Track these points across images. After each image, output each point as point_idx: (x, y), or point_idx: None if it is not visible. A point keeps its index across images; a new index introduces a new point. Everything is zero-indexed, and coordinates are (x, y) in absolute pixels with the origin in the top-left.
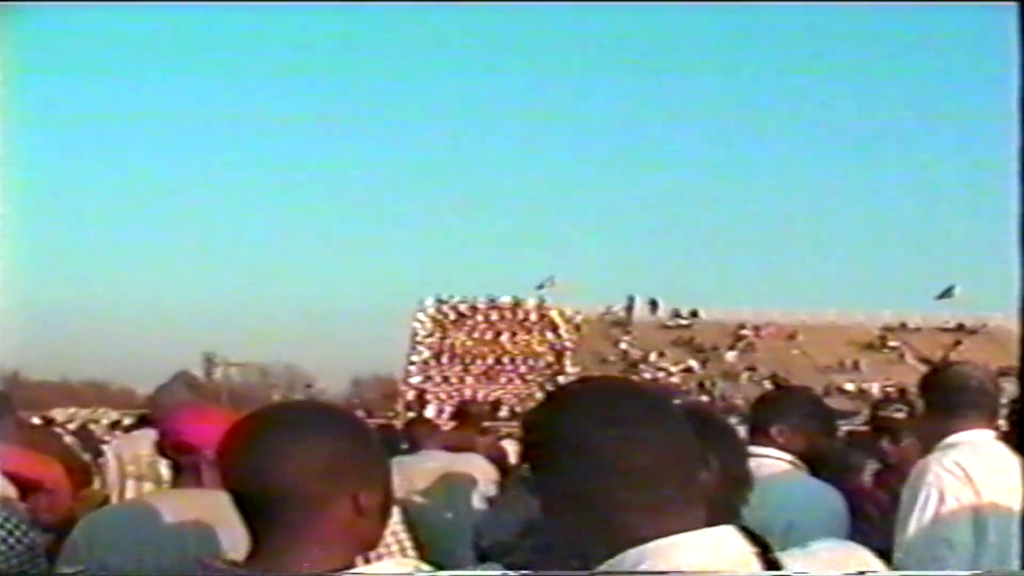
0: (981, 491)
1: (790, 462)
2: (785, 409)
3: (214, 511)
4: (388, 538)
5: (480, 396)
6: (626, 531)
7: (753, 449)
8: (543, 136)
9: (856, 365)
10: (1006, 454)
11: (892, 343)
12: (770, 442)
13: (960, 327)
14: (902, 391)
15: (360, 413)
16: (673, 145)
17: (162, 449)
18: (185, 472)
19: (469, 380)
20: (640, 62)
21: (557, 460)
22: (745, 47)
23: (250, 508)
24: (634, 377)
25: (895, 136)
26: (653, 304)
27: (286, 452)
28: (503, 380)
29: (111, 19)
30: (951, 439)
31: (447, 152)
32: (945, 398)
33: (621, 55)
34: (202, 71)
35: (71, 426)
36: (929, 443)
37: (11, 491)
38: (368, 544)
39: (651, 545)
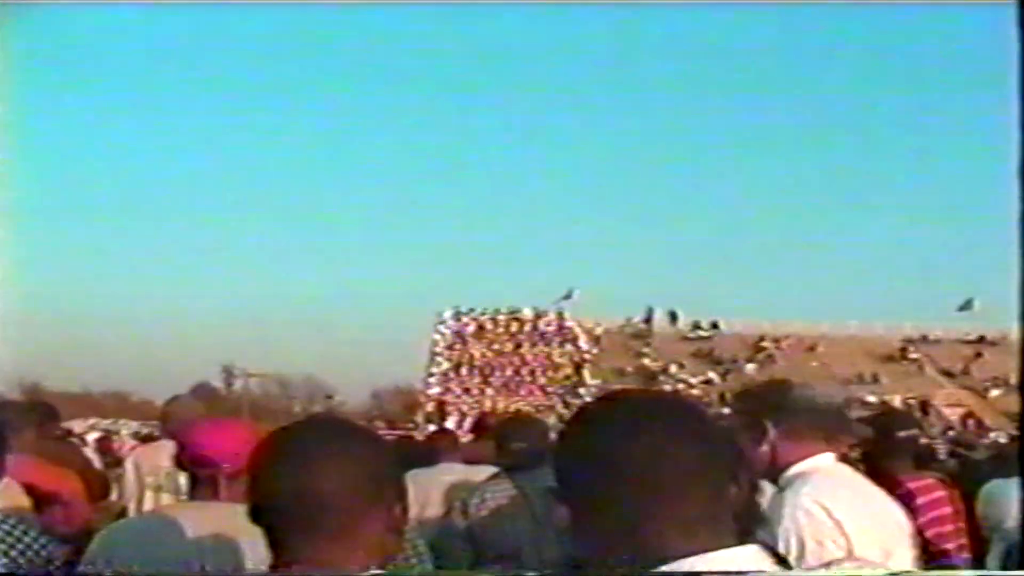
0: (846, 525)
1: None
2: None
3: (232, 524)
4: (407, 548)
5: (500, 408)
6: (654, 547)
7: None
8: (563, 148)
9: (876, 378)
10: (856, 479)
11: (913, 355)
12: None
13: (981, 339)
14: (924, 403)
15: (380, 424)
16: (693, 157)
17: (180, 462)
18: (203, 485)
19: (489, 392)
20: (658, 72)
21: (585, 473)
22: (757, 55)
23: (284, 520)
24: (664, 389)
25: (914, 145)
26: (673, 316)
27: (330, 462)
28: (523, 392)
29: (114, 19)
30: (796, 469)
31: (467, 164)
32: (786, 420)
33: (640, 66)
34: (215, 77)
35: (90, 437)
36: (771, 474)
37: (27, 503)
38: (390, 557)
39: (675, 565)
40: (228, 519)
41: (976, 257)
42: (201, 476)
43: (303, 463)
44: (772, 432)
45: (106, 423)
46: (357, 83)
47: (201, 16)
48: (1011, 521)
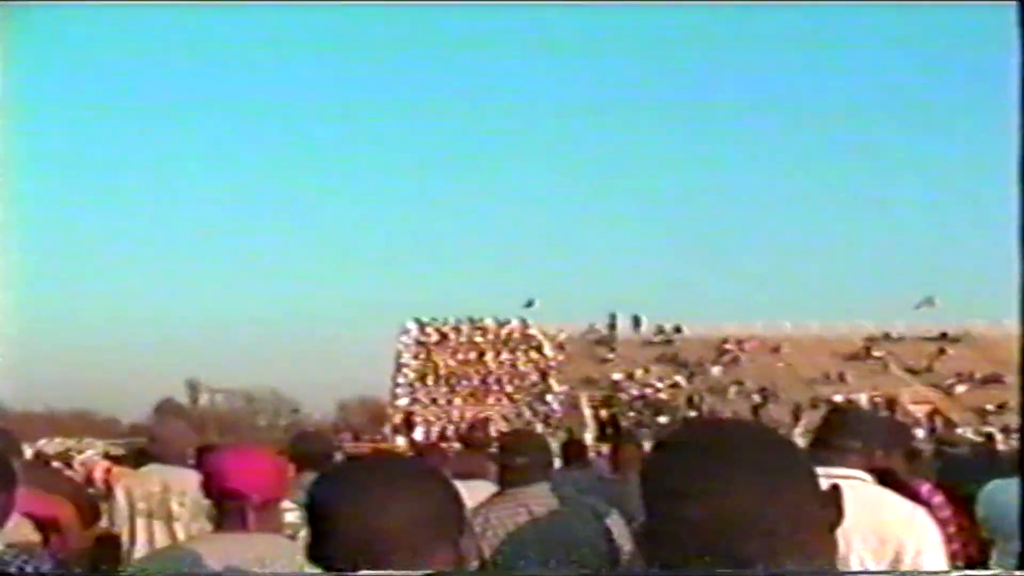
0: None
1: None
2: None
3: (260, 555)
4: None
5: (468, 416)
6: None
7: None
8: (522, 156)
9: (842, 376)
10: None
11: (876, 353)
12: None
13: (943, 335)
14: (890, 401)
15: (348, 436)
16: (651, 161)
17: (208, 492)
18: (232, 515)
19: (456, 401)
20: (620, 76)
21: (680, 510)
22: (732, 52)
23: (350, 560)
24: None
25: (878, 144)
26: (636, 321)
27: (396, 500)
28: (490, 400)
29: (109, 20)
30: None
31: (428, 175)
32: None
33: (599, 69)
34: (183, 92)
35: (71, 458)
36: None
37: (37, 537)
38: None
39: None
40: (257, 549)
41: (936, 254)
42: (230, 507)
43: (369, 501)
44: None
45: (71, 442)
46: (321, 97)
47: (191, 20)
48: (1013, 522)
